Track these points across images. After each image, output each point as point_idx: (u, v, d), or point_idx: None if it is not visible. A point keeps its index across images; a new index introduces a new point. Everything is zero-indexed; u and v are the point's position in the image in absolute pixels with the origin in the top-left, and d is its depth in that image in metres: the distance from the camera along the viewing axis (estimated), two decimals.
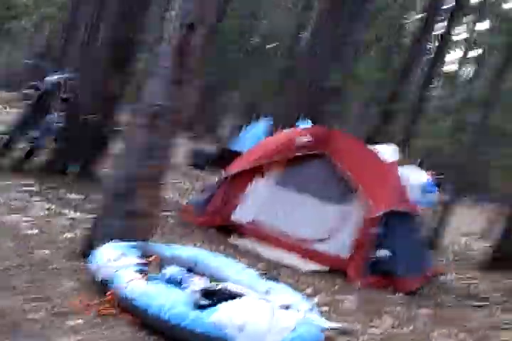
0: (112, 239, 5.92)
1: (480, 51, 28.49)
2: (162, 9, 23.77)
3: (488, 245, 13.57)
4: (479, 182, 20.31)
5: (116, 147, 9.64)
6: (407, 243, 8.25)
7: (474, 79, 27.13)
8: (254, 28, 29.17)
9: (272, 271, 7.21)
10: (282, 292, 5.49)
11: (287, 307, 5.01)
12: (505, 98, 17.23)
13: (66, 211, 8.04)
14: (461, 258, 12.64)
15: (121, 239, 5.95)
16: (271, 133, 12.46)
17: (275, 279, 5.98)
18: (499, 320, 7.29)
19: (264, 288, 5.53)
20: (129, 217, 6.24)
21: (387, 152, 8.99)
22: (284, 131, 10.13)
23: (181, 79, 6.14)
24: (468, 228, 19.18)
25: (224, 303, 4.88)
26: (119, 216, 6.23)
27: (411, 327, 6.35)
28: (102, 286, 5.30)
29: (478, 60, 28.39)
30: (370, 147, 9.10)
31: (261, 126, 17.62)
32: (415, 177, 12.23)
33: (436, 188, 14.07)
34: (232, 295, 5.10)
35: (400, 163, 9.33)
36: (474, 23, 27.86)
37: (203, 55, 6.49)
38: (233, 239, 8.69)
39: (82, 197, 8.95)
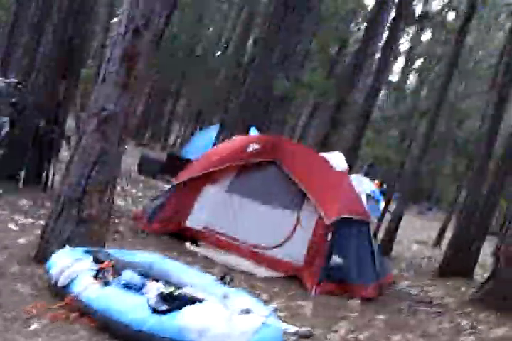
0: (64, 245, 5.85)
1: (422, 61, 28.92)
2: (109, 13, 23.57)
3: (439, 252, 13.75)
4: (426, 191, 20.65)
5: (66, 152, 9.55)
6: (359, 250, 8.29)
7: (419, 89, 27.45)
8: (201, 34, 29.07)
9: (227, 277, 7.16)
10: (240, 297, 5.47)
11: (247, 312, 4.99)
12: (449, 108, 17.50)
13: (17, 217, 7.91)
14: (414, 266, 12.77)
15: (74, 244, 5.91)
16: (221, 141, 12.44)
17: (230, 283, 5.96)
18: (455, 325, 7.33)
19: (221, 292, 5.50)
20: (81, 223, 6.18)
21: (338, 160, 9.03)
22: (234, 138, 10.12)
23: (128, 85, 6.10)
24: (418, 236, 19.42)
25: (184, 308, 4.85)
26: (70, 222, 6.17)
27: (367, 334, 6.35)
28: (59, 291, 5.23)
29: (421, 69, 28.74)
30: (321, 155, 9.16)
31: (210, 133, 17.56)
32: (363, 186, 12.41)
33: (382, 197, 14.26)
34: (191, 300, 5.06)
35: (349, 171, 9.40)
36: (417, 34, 28.28)
37: (150, 61, 6.43)
38: (188, 246, 8.63)
39: (33, 202, 8.80)
